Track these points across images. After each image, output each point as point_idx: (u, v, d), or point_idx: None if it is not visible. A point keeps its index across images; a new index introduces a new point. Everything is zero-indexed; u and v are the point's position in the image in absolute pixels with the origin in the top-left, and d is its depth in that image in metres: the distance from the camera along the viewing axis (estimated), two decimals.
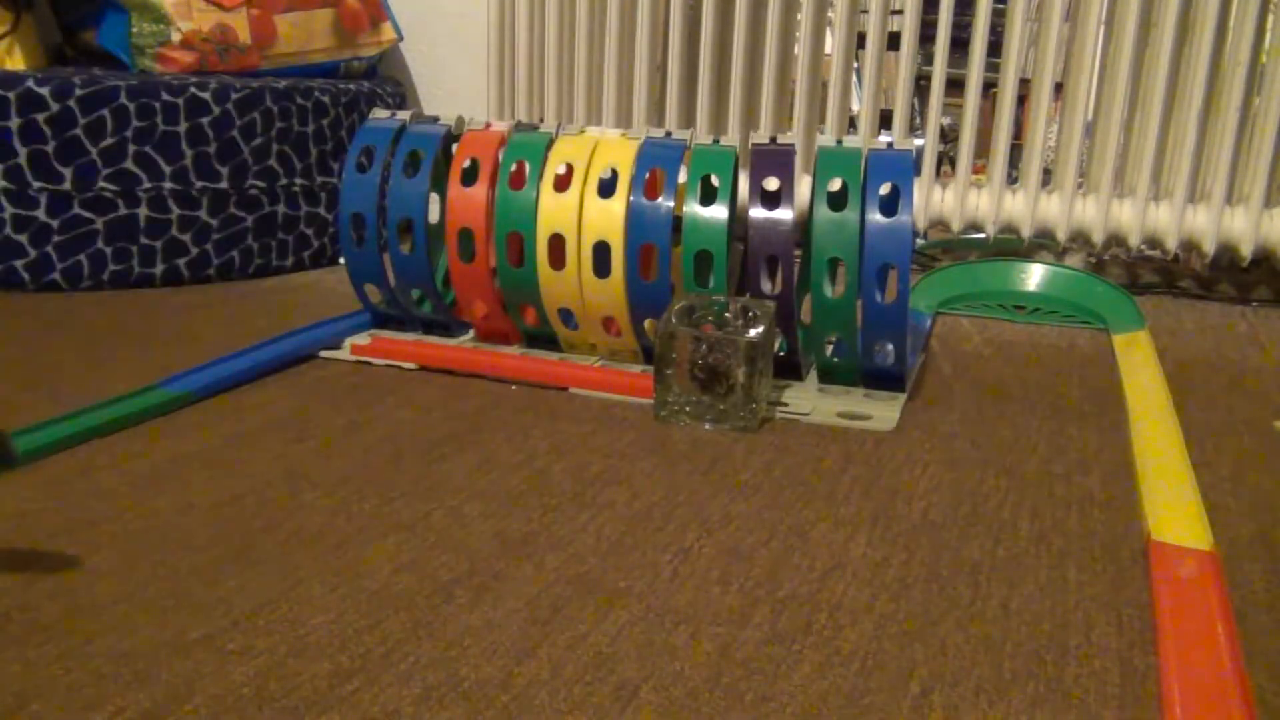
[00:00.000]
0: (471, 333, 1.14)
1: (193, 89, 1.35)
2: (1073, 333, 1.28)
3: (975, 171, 1.56)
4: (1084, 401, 1.00)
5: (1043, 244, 1.55)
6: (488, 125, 1.09)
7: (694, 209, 0.96)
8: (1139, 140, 1.46)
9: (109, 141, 1.30)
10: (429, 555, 0.64)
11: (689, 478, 0.77)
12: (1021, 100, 1.52)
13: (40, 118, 1.26)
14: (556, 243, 1.00)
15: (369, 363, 1.06)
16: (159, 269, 1.37)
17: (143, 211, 1.34)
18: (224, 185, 1.40)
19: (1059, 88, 1.54)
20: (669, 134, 1.02)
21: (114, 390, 0.91)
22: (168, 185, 1.35)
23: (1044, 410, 0.97)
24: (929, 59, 1.52)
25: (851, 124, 1.59)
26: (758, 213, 0.95)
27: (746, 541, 0.67)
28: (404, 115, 1.11)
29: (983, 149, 1.56)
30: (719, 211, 0.95)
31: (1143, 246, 1.49)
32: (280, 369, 1.02)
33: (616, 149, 1.01)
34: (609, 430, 0.88)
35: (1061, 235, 1.50)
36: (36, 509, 0.69)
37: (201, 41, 1.43)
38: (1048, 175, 1.56)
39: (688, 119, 1.64)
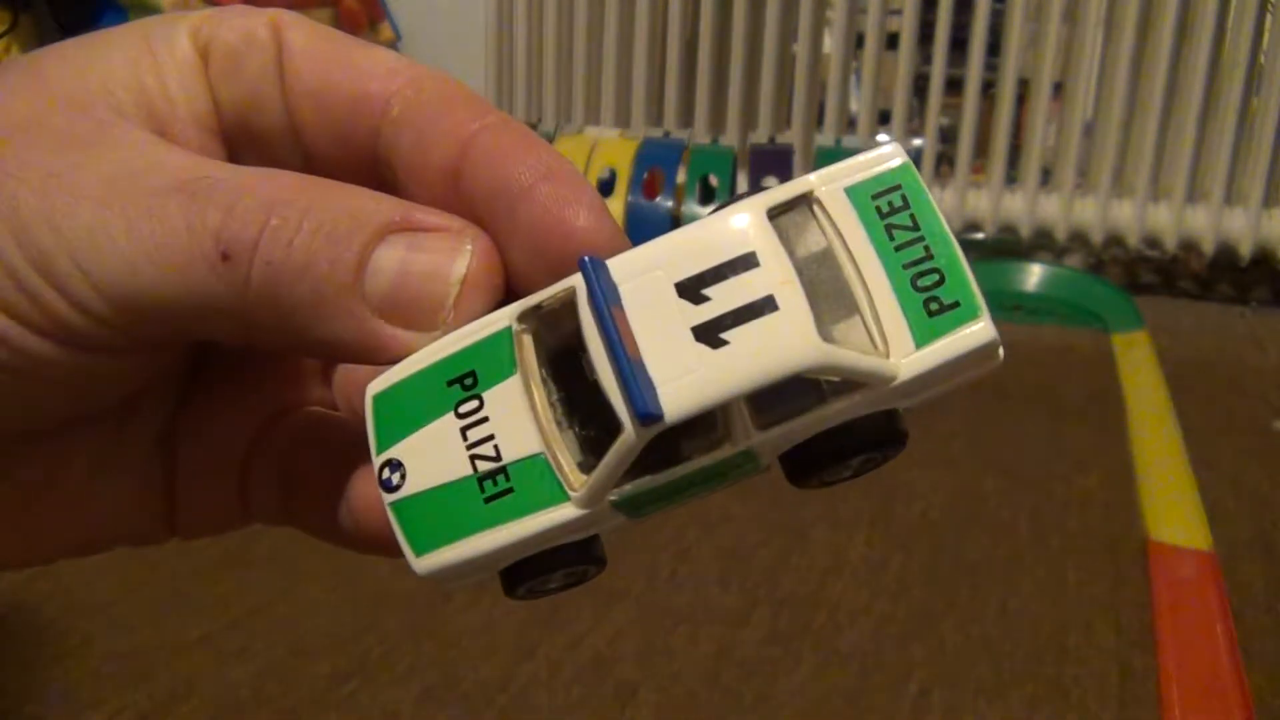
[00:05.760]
0: None
1: None
2: (1072, 333, 1.28)
3: (974, 171, 1.55)
4: (1083, 402, 1.00)
5: (1042, 244, 1.55)
6: None
7: (692, 209, 0.96)
8: (1138, 140, 1.46)
9: None
10: None
11: None
12: (1020, 100, 1.52)
13: None
14: None
15: None
16: None
17: None
18: None
19: (1058, 88, 1.54)
20: (667, 134, 1.02)
21: None
22: None
23: (1043, 410, 0.97)
24: (928, 58, 1.52)
25: (850, 124, 1.59)
26: None
27: (746, 541, 0.67)
28: None
29: (981, 149, 1.56)
30: None
31: (1142, 246, 1.49)
32: None
33: (615, 149, 1.01)
34: None
35: (1060, 235, 1.50)
36: None
37: None
38: (1046, 175, 1.56)
39: (686, 119, 1.64)
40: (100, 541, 0.21)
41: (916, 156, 1.51)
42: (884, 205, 0.16)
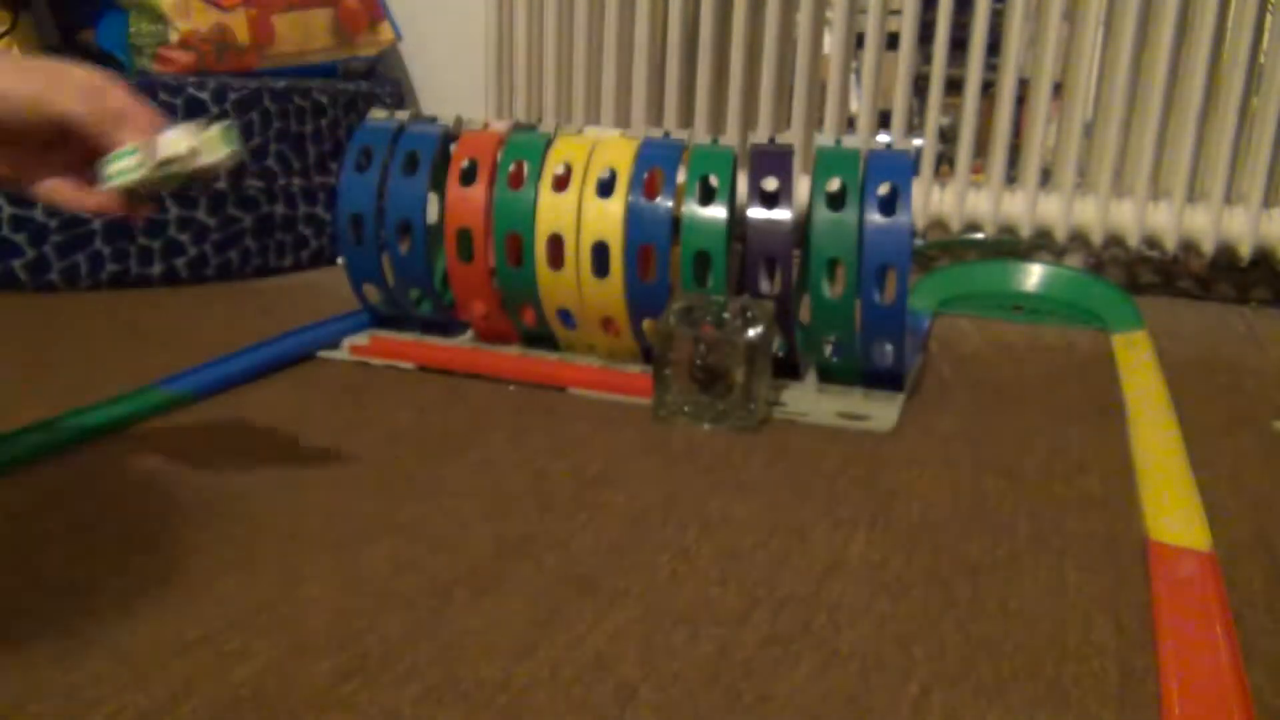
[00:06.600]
0: (470, 333, 1.14)
1: (190, 89, 1.35)
2: (1071, 333, 1.28)
3: (974, 171, 1.55)
4: (1083, 402, 1.00)
5: (1041, 244, 1.55)
6: (486, 125, 1.09)
7: (693, 209, 0.96)
8: (1138, 140, 1.46)
9: None
10: (428, 555, 0.64)
11: (688, 478, 0.77)
12: (1020, 100, 1.52)
13: None
14: (555, 243, 1.00)
15: (367, 363, 1.06)
16: (157, 269, 1.37)
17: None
18: (222, 185, 1.40)
19: (1058, 87, 1.54)
20: (667, 134, 1.02)
21: (112, 390, 0.91)
22: None
23: (1043, 410, 0.97)
24: (928, 59, 1.52)
25: (850, 124, 1.59)
26: (756, 213, 0.95)
27: (746, 541, 0.67)
28: (402, 115, 1.11)
29: (981, 149, 1.56)
30: (718, 211, 0.95)
31: (1142, 246, 1.49)
32: (279, 369, 1.02)
33: (615, 149, 1.01)
34: (608, 430, 0.88)
35: (1060, 235, 1.50)
36: (35, 509, 0.69)
37: (200, 41, 1.43)
38: (1046, 175, 1.56)
39: (686, 119, 1.64)
40: None
41: (916, 156, 1.51)
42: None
